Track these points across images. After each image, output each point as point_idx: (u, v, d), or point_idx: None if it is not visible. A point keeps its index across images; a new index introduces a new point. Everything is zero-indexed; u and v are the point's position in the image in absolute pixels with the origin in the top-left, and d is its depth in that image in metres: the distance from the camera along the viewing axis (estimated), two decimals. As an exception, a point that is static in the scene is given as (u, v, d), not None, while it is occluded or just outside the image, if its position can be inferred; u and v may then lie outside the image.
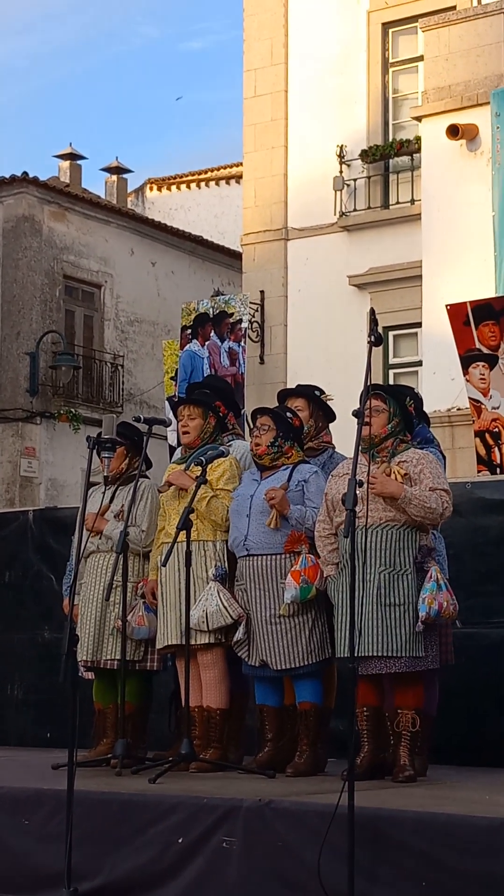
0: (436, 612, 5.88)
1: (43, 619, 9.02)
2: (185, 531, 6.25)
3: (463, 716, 7.13)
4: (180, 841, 5.18)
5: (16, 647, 9.23)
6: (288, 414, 6.56)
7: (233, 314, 11.44)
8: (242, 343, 11.34)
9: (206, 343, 11.38)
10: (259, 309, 17.89)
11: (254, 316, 17.74)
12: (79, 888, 5.18)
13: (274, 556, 6.33)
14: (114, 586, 6.61)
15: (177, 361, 11.40)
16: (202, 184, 27.65)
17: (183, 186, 27.88)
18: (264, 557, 6.34)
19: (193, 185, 27.74)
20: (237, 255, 20.59)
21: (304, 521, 6.30)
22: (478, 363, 10.71)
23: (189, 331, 11.55)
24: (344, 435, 6.79)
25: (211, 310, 11.50)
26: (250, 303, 17.51)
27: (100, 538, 6.90)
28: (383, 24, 17.62)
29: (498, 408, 10.56)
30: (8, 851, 5.67)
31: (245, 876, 5.00)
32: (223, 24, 55.44)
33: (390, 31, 17.66)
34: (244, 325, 11.31)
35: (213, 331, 11.41)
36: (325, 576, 6.17)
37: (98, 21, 56.70)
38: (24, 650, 9.17)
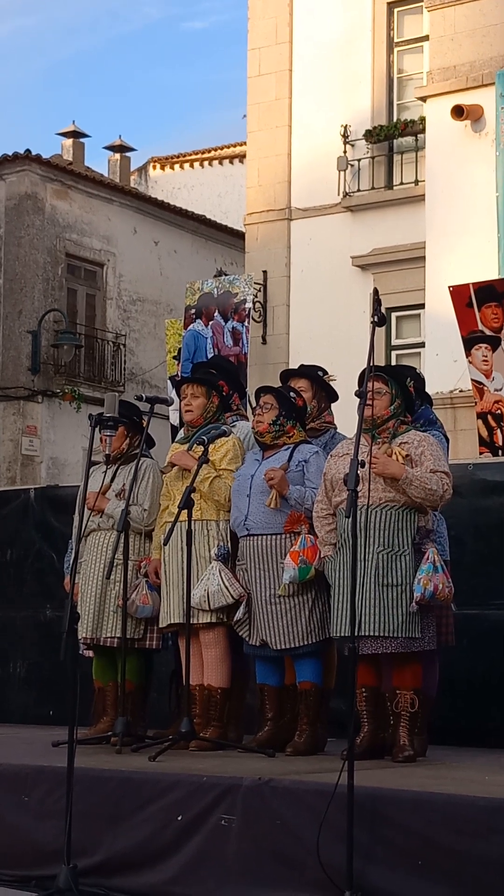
0: (430, 594, 5.88)
1: (44, 597, 9.03)
2: (186, 510, 6.25)
3: (463, 697, 7.15)
4: (179, 818, 5.20)
5: (17, 625, 9.25)
6: (291, 393, 6.55)
7: (237, 294, 11.42)
8: (246, 323, 11.32)
9: (210, 323, 11.36)
10: (262, 289, 17.86)
11: (256, 296, 17.71)
12: (78, 864, 5.20)
13: (274, 536, 6.33)
14: (115, 564, 6.62)
15: (179, 341, 11.38)
16: (205, 163, 27.58)
17: (186, 165, 27.81)
18: (264, 537, 6.35)
19: (197, 165, 27.67)
20: (240, 235, 20.55)
21: (303, 502, 6.30)
22: (480, 345, 10.70)
23: (193, 310, 11.52)
24: (346, 415, 6.79)
25: (215, 290, 11.48)
26: (254, 283, 17.52)
27: (101, 517, 6.90)
28: (388, 3, 17.55)
29: (500, 390, 10.56)
30: (8, 827, 5.69)
31: (243, 854, 5.02)
32: (225, 4, 55.25)
33: (395, 10, 17.58)
34: (248, 305, 11.29)
35: (216, 311, 11.39)
36: (322, 556, 6.17)
37: (101, 1, 56.50)
38: (26, 628, 9.19)
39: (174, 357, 11.43)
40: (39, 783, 5.67)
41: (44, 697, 8.96)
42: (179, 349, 11.23)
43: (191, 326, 11.35)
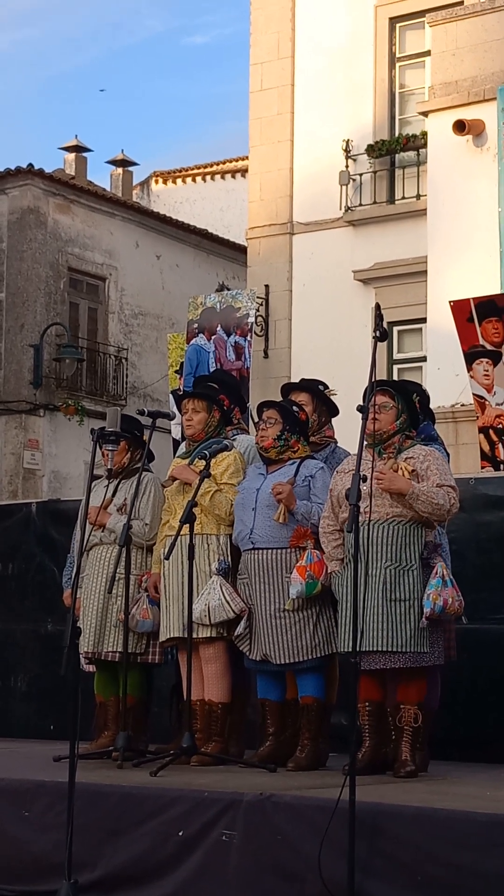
0: (441, 609, 5.88)
1: (45, 610, 9.02)
2: (188, 525, 6.25)
3: (465, 712, 7.13)
4: (181, 833, 5.19)
5: (18, 638, 9.24)
6: (294, 408, 6.55)
7: (239, 309, 11.43)
8: (248, 338, 11.33)
9: (213, 337, 11.37)
10: (264, 303, 17.88)
11: (258, 310, 17.74)
12: (79, 879, 5.19)
13: (279, 551, 6.33)
14: (116, 579, 6.62)
15: (182, 355, 11.39)
16: (208, 177, 27.63)
17: (188, 180, 27.86)
18: (270, 551, 6.34)
19: (199, 179, 27.72)
20: (242, 249, 20.58)
21: (309, 517, 6.30)
22: (482, 359, 10.70)
23: (196, 325, 11.54)
24: (347, 430, 6.79)
25: (218, 304, 11.49)
26: (256, 297, 17.53)
27: (102, 531, 6.90)
28: (390, 18, 17.60)
29: (502, 404, 10.56)
30: (9, 842, 5.68)
31: (244, 869, 5.01)
32: (226, 18, 55.41)
33: (397, 25, 17.63)
34: (250, 319, 11.30)
35: (219, 325, 11.40)
36: (329, 571, 6.17)
37: (103, 13, 56.67)
38: (27, 642, 9.19)
39: (176, 371, 11.43)
40: (40, 798, 5.66)
41: (45, 711, 8.95)
42: (182, 363, 11.24)
43: (193, 341, 11.35)
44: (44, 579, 9.11)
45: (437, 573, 5.94)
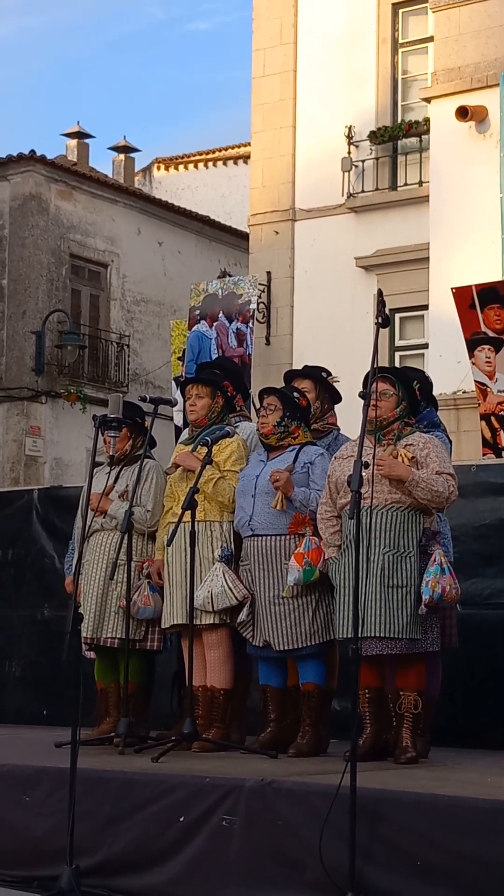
0: (439, 596, 5.89)
1: (43, 596, 9.04)
2: (190, 511, 6.25)
3: (464, 698, 7.14)
4: (181, 819, 5.20)
5: (15, 624, 9.26)
6: (295, 394, 6.55)
7: (241, 295, 11.41)
8: (250, 324, 11.31)
9: (215, 324, 11.36)
10: (265, 290, 17.86)
11: (260, 297, 17.72)
12: (80, 865, 5.19)
13: (278, 537, 6.33)
14: (117, 565, 6.62)
15: (184, 342, 11.37)
16: (210, 164, 27.58)
17: (190, 166, 27.82)
18: (269, 538, 6.35)
19: (201, 165, 27.68)
20: (244, 236, 20.55)
21: (308, 504, 6.30)
22: (483, 346, 10.68)
23: (198, 312, 11.52)
24: (349, 417, 6.79)
25: (220, 291, 11.47)
26: (258, 284, 17.50)
27: (104, 517, 6.90)
28: (393, 4, 17.55)
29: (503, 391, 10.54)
30: (10, 828, 5.69)
31: (245, 854, 5.02)
32: (228, 5, 55.26)
33: (400, 11, 17.58)
34: (252, 306, 11.29)
35: (221, 312, 11.38)
36: (326, 557, 6.17)
37: (104, 1, 56.53)
38: (24, 627, 9.19)
39: (179, 358, 11.42)
40: (42, 783, 5.67)
41: (39, 696, 8.96)
42: (184, 350, 11.23)
43: (195, 327, 11.33)
44: (42, 565, 9.12)
45: (435, 560, 5.94)
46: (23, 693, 9.13)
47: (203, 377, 6.98)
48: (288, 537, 6.32)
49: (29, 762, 5.98)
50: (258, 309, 17.60)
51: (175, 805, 5.25)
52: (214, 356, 10.83)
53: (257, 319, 17.49)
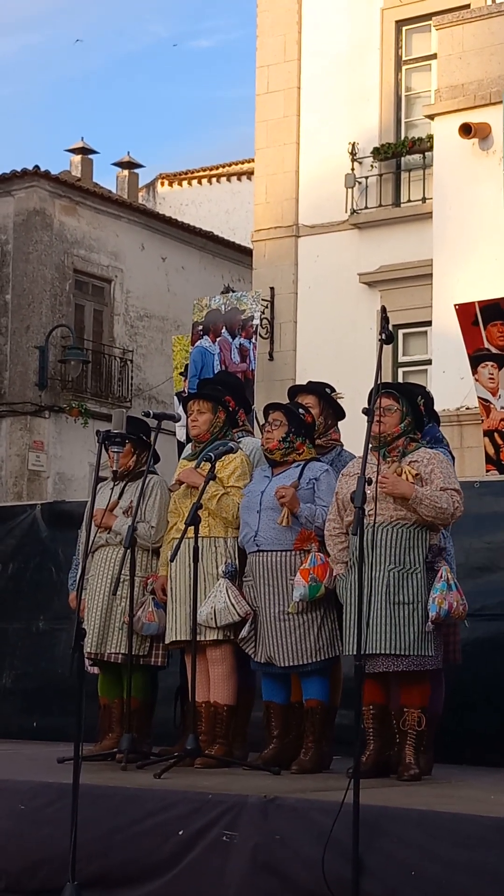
0: (446, 612, 5.88)
1: (38, 609, 9.04)
2: (193, 527, 6.25)
3: (470, 714, 7.13)
4: (180, 833, 5.18)
5: (10, 636, 9.25)
6: (300, 410, 6.55)
7: (244, 311, 11.42)
8: (253, 340, 11.32)
9: (218, 339, 11.36)
10: (269, 305, 17.88)
11: (264, 312, 17.73)
12: (80, 878, 5.18)
13: (284, 553, 6.33)
14: (121, 580, 6.62)
15: (186, 357, 11.38)
16: (213, 179, 27.64)
17: (194, 182, 27.87)
18: (274, 553, 6.34)
19: (205, 181, 27.73)
20: (248, 252, 20.59)
21: (313, 520, 6.29)
22: (487, 363, 10.69)
23: (200, 327, 11.52)
24: (352, 432, 6.79)
25: (223, 306, 11.48)
26: (261, 299, 17.51)
27: (108, 533, 6.90)
28: (397, 21, 17.60)
29: (507, 408, 10.54)
30: (12, 843, 5.67)
31: (245, 870, 5.00)
32: (231, 23, 55.46)
33: (404, 28, 17.64)
34: (255, 322, 11.29)
35: (224, 327, 11.39)
36: (334, 574, 6.16)
37: (106, 20, 56.76)
38: (19, 639, 9.19)
39: (181, 373, 11.43)
40: (43, 797, 5.66)
41: (29, 709, 8.95)
42: (186, 365, 11.24)
43: (198, 343, 11.33)
44: (40, 578, 9.13)
45: (441, 577, 5.93)
46: (12, 705, 9.11)
47: (204, 392, 6.98)
48: (293, 553, 6.31)
49: (31, 777, 5.97)
50: (261, 324, 17.61)
51: (177, 821, 5.24)
52: (217, 371, 10.84)
53: (260, 335, 17.52)
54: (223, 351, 11.16)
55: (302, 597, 6.20)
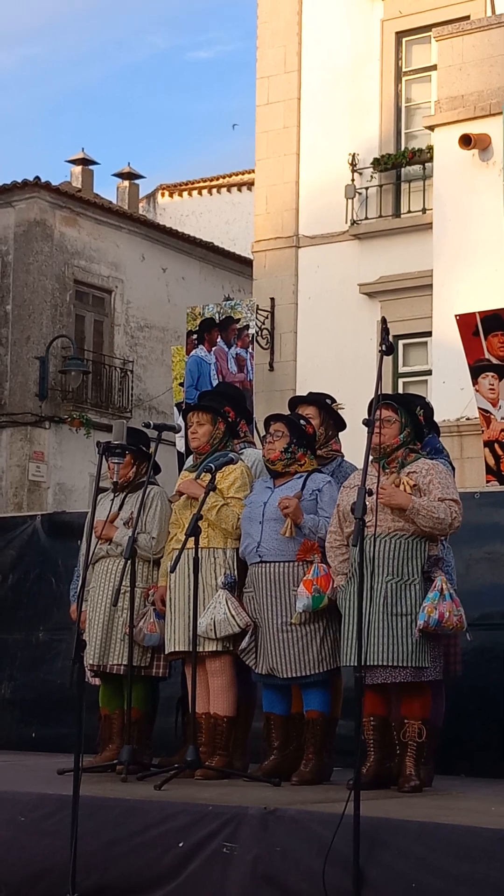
0: (435, 622, 5.86)
1: (38, 619, 9.04)
2: (193, 538, 6.25)
3: (470, 725, 7.12)
4: (181, 845, 5.18)
5: (10, 647, 9.25)
6: (301, 421, 6.56)
7: (239, 320, 11.40)
8: (250, 349, 11.30)
9: (213, 349, 11.34)
10: (269, 316, 17.90)
11: (264, 323, 17.74)
12: (80, 890, 5.17)
13: (286, 564, 6.32)
14: (122, 592, 6.62)
15: (185, 367, 11.37)
16: (214, 190, 27.67)
17: (194, 193, 27.91)
18: (277, 564, 6.34)
19: (205, 192, 27.76)
20: (248, 262, 20.61)
21: (316, 531, 6.29)
22: (487, 373, 10.69)
23: (195, 336, 11.49)
24: (353, 443, 6.80)
25: (217, 315, 11.46)
26: (261, 310, 17.53)
27: (109, 544, 6.90)
28: (397, 33, 17.64)
29: (507, 418, 10.54)
30: (12, 854, 5.66)
31: (245, 882, 5.00)
32: (231, 35, 55.60)
33: (404, 40, 17.67)
34: (251, 331, 11.27)
35: (219, 336, 11.36)
36: (335, 585, 6.16)
37: (106, 32, 56.90)
38: (18, 650, 9.19)
39: (180, 384, 11.42)
40: (44, 810, 5.65)
41: (28, 719, 8.94)
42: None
43: (193, 352, 11.31)
44: (39, 589, 9.12)
45: (435, 586, 5.92)
46: (12, 716, 9.11)
47: (203, 404, 6.98)
48: (296, 564, 6.31)
49: (31, 789, 5.96)
50: (261, 335, 17.62)
51: (177, 832, 5.23)
52: (214, 381, 10.83)
53: (261, 346, 17.53)
54: (219, 360, 11.14)
55: (305, 607, 6.20)
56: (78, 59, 56.08)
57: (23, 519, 9.96)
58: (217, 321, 11.31)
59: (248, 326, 11.31)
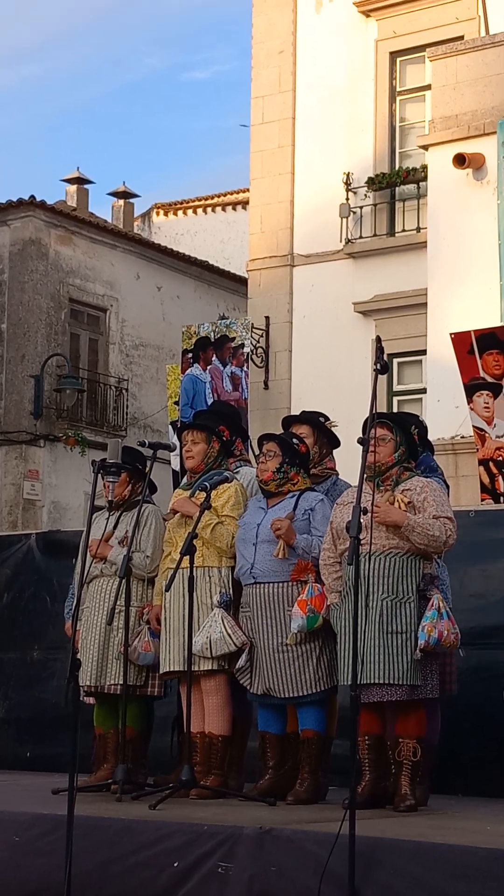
0: (435, 641, 5.87)
1: (34, 638, 9.03)
2: (188, 556, 6.24)
3: (465, 744, 7.11)
4: (176, 865, 5.16)
5: (5, 665, 9.23)
6: (294, 440, 6.56)
7: (234, 338, 11.42)
8: (245, 368, 11.32)
9: (208, 367, 11.36)
10: (264, 335, 17.92)
11: (259, 341, 17.77)
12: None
13: (281, 584, 6.32)
14: (117, 611, 6.61)
15: (180, 386, 11.39)
16: (209, 209, 27.73)
17: (189, 212, 27.96)
18: (271, 585, 6.33)
19: (200, 211, 27.82)
20: (243, 281, 20.64)
21: (310, 550, 6.29)
22: (482, 392, 10.73)
23: (190, 354, 11.51)
24: (348, 462, 6.80)
25: (212, 333, 11.48)
26: (255, 328, 17.56)
27: (104, 563, 6.89)
28: (391, 52, 17.70)
29: (502, 436, 10.57)
30: (4, 872, 5.64)
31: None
32: (226, 55, 55.80)
33: (398, 59, 17.73)
34: (246, 349, 11.29)
35: (214, 355, 11.38)
36: (328, 604, 6.16)
37: (103, 50, 57.10)
38: (14, 669, 9.17)
39: (175, 402, 11.43)
40: (39, 830, 5.63)
41: (23, 738, 8.92)
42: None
43: (188, 371, 11.33)
44: (35, 608, 9.11)
45: (433, 605, 5.93)
46: (6, 735, 9.08)
47: (198, 423, 6.98)
48: (291, 584, 6.30)
49: (25, 809, 5.94)
50: (256, 353, 17.64)
51: (171, 851, 5.22)
52: (210, 400, 10.84)
53: (255, 364, 17.55)
54: (214, 379, 11.16)
55: (300, 628, 6.19)
56: (74, 78, 56.29)
57: (18, 537, 9.95)
58: (212, 340, 11.34)
59: (243, 345, 11.33)
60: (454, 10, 17.11)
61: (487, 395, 10.60)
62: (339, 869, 4.71)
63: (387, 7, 17.58)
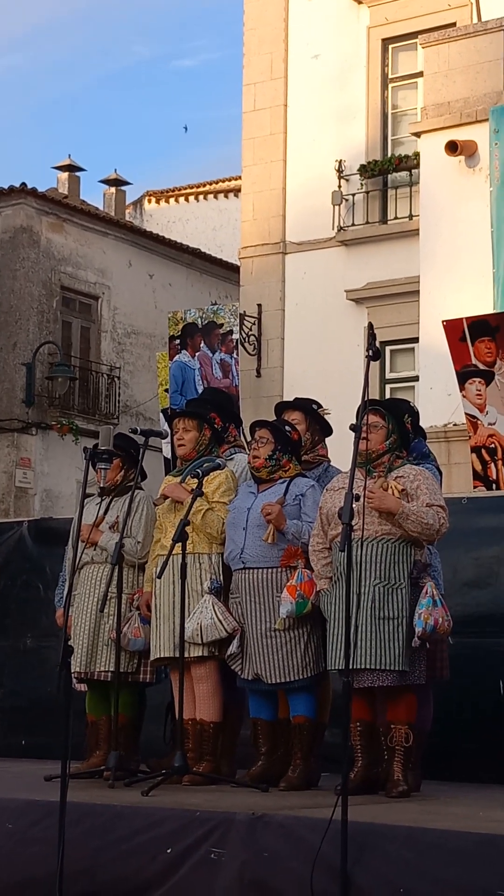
0: (432, 628, 5.88)
1: (26, 626, 9.02)
2: (180, 543, 6.24)
3: (457, 730, 7.12)
4: (168, 851, 5.17)
5: (-2, 654, 9.23)
6: (286, 427, 6.55)
7: (222, 325, 11.35)
8: (234, 355, 11.25)
9: (197, 354, 11.28)
10: (256, 322, 17.90)
11: (251, 329, 17.75)
12: (65, 894, 5.15)
13: (270, 570, 6.32)
14: (108, 597, 6.60)
15: (169, 373, 11.33)
16: (200, 197, 27.68)
17: (181, 199, 27.92)
18: (261, 571, 6.33)
19: (192, 198, 27.78)
20: (235, 269, 20.62)
21: (300, 536, 6.29)
22: (474, 379, 10.73)
23: (177, 341, 11.41)
24: (340, 449, 6.80)
25: (199, 320, 11.40)
26: (248, 316, 17.54)
27: (94, 549, 6.89)
28: (383, 39, 17.67)
29: (494, 423, 10.58)
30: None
31: (233, 887, 4.99)
32: (214, 43, 55.68)
33: (390, 46, 17.70)
34: (235, 335, 11.22)
35: (202, 341, 11.30)
36: (318, 589, 6.16)
37: (91, 40, 56.97)
38: (7, 657, 9.16)
39: (166, 390, 11.38)
40: (31, 817, 5.63)
41: (17, 727, 8.91)
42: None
43: (176, 357, 11.24)
44: (27, 596, 9.10)
45: (426, 592, 5.94)
46: (0, 723, 9.08)
47: (189, 410, 6.97)
48: (280, 570, 6.31)
49: (17, 795, 5.95)
50: (248, 341, 17.63)
51: (164, 838, 5.23)
52: (199, 387, 10.79)
53: (248, 352, 17.54)
54: (203, 366, 11.10)
55: (289, 613, 6.19)
56: (63, 67, 56.18)
57: (9, 525, 9.93)
58: (200, 326, 11.27)
59: (231, 331, 11.26)
60: (446, -4, 17.09)
61: (479, 382, 10.60)
62: (331, 855, 4.71)
63: (379, -6, 17.56)
